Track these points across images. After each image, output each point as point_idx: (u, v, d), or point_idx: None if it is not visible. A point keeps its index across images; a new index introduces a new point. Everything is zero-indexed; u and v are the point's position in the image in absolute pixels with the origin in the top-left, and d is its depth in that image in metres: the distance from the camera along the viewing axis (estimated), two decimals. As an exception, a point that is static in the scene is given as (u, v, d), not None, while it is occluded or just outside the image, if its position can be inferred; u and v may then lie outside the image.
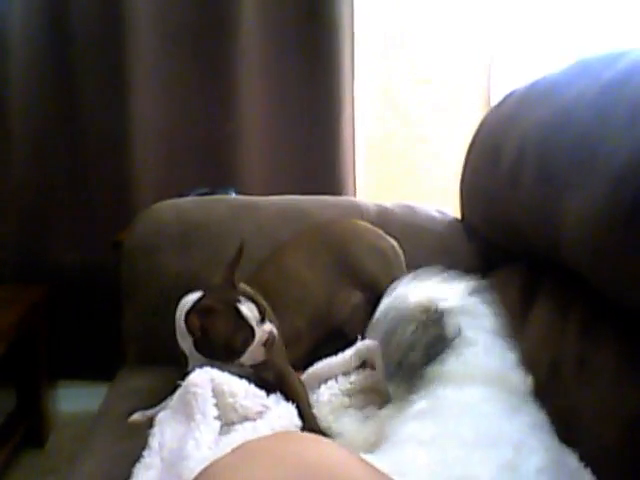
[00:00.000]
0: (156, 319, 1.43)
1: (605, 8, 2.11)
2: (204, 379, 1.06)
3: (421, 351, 0.95)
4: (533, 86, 1.29)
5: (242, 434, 1.00)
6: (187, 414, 1.02)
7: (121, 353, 1.51)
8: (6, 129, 2.12)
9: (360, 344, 1.19)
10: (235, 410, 1.05)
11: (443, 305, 0.98)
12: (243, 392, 1.07)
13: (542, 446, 0.81)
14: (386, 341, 1.01)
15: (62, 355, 2.20)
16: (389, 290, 1.08)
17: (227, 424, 1.05)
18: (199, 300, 1.14)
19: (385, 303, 1.07)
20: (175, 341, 1.19)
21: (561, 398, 0.92)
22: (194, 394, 1.04)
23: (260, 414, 1.06)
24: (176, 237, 1.48)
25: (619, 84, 0.94)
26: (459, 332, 0.96)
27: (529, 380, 0.93)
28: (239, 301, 1.13)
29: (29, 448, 2.07)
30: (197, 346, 1.15)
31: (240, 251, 1.20)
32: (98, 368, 1.88)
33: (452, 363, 0.94)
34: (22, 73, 2.10)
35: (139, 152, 2.13)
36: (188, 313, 1.12)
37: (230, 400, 1.05)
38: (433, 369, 0.94)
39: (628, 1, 2.07)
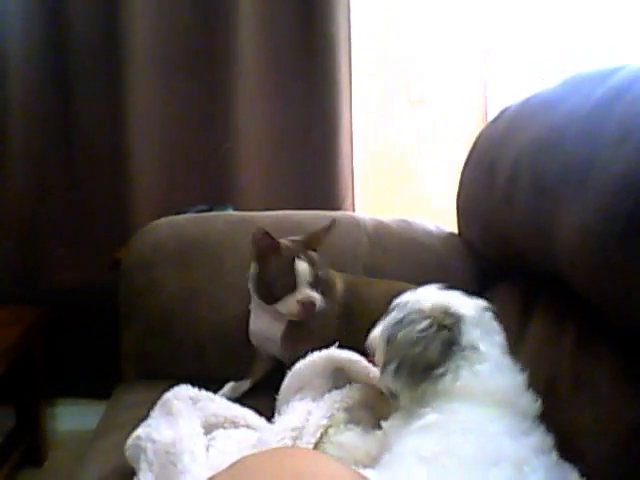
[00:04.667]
0: (154, 335, 1.43)
1: (603, 23, 2.14)
2: (182, 393, 1.11)
3: (434, 351, 0.90)
4: (527, 102, 1.29)
5: (222, 442, 1.03)
6: (170, 425, 1.03)
7: (119, 371, 1.50)
8: (3, 150, 2.13)
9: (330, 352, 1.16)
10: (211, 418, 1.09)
11: (460, 311, 0.94)
12: (215, 404, 1.12)
13: (543, 466, 0.80)
14: (392, 334, 0.94)
15: (61, 374, 2.20)
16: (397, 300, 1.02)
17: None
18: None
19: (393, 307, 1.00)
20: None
21: (558, 413, 0.91)
22: (175, 406, 1.07)
23: (233, 424, 1.10)
24: (174, 253, 1.49)
25: (611, 100, 0.94)
26: (473, 344, 0.92)
27: (538, 404, 0.92)
28: (299, 257, 1.23)
29: (28, 467, 2.07)
30: (254, 281, 1.27)
31: (330, 227, 1.31)
32: (97, 387, 1.87)
33: (466, 378, 0.89)
34: (20, 92, 2.11)
35: (137, 171, 2.14)
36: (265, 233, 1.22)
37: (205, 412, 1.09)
38: (445, 382, 0.89)
39: (623, 19, 2.10)
